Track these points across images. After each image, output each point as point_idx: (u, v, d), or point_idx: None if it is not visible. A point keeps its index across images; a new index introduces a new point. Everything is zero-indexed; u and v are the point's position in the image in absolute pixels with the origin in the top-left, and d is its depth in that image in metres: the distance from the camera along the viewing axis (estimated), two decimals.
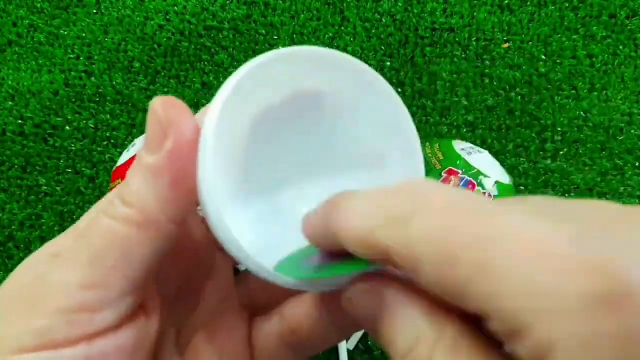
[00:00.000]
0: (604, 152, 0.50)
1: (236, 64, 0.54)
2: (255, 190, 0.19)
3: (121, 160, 0.40)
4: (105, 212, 0.16)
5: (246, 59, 0.54)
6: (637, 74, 0.52)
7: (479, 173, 0.39)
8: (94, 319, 0.15)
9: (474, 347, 0.12)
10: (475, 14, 0.54)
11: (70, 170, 0.52)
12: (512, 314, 0.10)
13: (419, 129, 0.56)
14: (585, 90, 0.52)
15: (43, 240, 0.50)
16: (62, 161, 0.52)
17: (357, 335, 0.46)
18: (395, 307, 0.13)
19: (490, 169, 0.40)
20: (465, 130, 0.51)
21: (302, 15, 0.55)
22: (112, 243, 0.15)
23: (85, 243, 0.15)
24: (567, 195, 0.49)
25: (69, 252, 0.16)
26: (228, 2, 0.56)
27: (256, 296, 0.21)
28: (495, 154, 0.47)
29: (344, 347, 0.46)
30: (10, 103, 0.54)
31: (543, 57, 0.53)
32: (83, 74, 0.54)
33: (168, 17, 0.56)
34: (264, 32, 0.55)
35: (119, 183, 0.40)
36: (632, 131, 0.51)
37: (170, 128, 0.15)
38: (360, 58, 0.53)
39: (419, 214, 0.12)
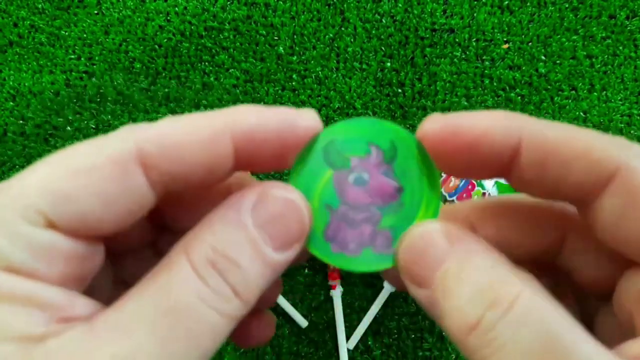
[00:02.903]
0: None
1: (236, 64, 0.54)
2: None
3: None
4: (214, 307, 0.13)
5: (246, 59, 0.54)
6: (637, 75, 0.52)
7: None
8: None
9: (550, 296, 0.13)
10: (475, 14, 0.54)
11: None
12: None
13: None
14: (585, 91, 0.52)
15: None
16: None
17: (358, 335, 0.47)
18: (479, 251, 0.14)
19: None
20: None
21: (303, 16, 0.55)
22: (200, 338, 0.13)
23: (175, 337, 0.13)
24: None
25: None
26: (228, 2, 0.56)
27: None
28: None
29: (344, 347, 0.46)
30: (11, 103, 0.54)
31: (543, 57, 0.53)
32: (84, 75, 0.54)
33: (169, 18, 0.56)
34: (264, 32, 0.55)
35: None
36: (632, 131, 0.51)
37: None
38: (361, 58, 0.54)
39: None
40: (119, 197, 0.13)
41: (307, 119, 0.15)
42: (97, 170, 0.13)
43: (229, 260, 0.14)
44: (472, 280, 0.13)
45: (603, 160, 0.13)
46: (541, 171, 0.14)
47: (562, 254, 0.17)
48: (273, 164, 0.16)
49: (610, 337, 0.16)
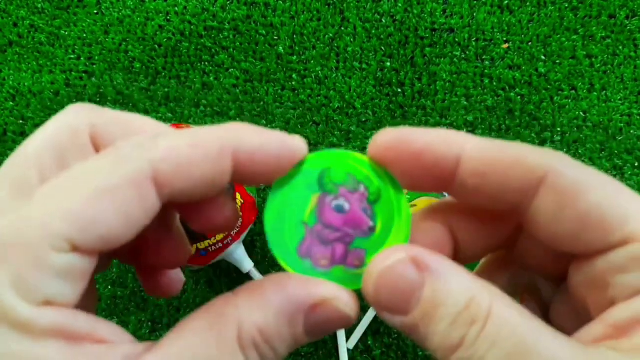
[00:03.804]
0: (603, 152, 0.50)
1: (236, 64, 0.54)
2: None
3: None
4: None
5: (246, 59, 0.54)
6: (637, 74, 0.52)
7: None
8: None
9: (512, 300, 0.15)
10: (474, 14, 0.54)
11: None
12: None
13: None
14: (585, 91, 0.52)
15: None
16: None
17: (358, 335, 0.47)
18: (447, 273, 0.15)
19: None
20: (465, 130, 0.51)
21: (302, 16, 0.55)
22: None
23: None
24: None
25: None
26: (228, 2, 0.56)
27: None
28: None
29: (344, 347, 0.46)
30: (11, 103, 0.54)
31: (542, 57, 0.53)
32: (84, 74, 0.54)
33: (168, 18, 0.56)
34: (264, 32, 0.55)
35: None
36: (632, 131, 0.51)
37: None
38: (360, 58, 0.54)
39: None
40: (137, 215, 0.15)
41: (298, 145, 0.17)
42: (117, 192, 0.14)
43: (270, 347, 0.15)
44: (449, 303, 0.15)
45: (534, 166, 0.15)
46: (481, 181, 0.16)
47: (516, 248, 0.18)
48: (261, 181, 0.17)
49: (569, 319, 0.18)
